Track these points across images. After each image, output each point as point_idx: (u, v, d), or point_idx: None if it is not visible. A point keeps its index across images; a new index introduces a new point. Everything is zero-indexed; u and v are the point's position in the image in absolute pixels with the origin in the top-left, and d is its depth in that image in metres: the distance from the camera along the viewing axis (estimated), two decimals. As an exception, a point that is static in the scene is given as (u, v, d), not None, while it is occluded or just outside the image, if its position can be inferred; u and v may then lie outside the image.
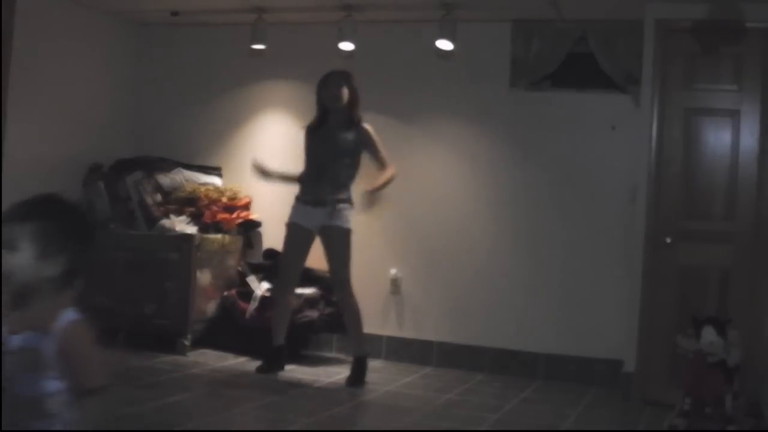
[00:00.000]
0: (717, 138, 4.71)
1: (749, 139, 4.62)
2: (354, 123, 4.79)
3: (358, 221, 4.85)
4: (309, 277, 5.17)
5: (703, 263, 4.69)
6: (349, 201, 4.76)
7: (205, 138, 6.04)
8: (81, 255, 1.86)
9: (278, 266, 5.01)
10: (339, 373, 4.93)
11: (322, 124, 4.82)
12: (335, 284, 4.80)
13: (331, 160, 4.73)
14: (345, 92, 4.76)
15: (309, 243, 4.80)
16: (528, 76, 5.32)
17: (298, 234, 4.77)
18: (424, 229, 5.49)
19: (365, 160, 4.86)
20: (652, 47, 4.73)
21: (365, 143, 4.78)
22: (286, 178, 4.94)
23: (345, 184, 4.76)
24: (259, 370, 4.82)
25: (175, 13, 5.74)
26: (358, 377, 4.73)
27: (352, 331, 4.81)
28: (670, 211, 4.74)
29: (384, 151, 4.78)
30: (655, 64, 4.73)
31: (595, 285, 5.11)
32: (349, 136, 4.76)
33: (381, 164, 4.78)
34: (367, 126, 4.81)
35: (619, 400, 4.70)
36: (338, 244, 4.71)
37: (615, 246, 5.03)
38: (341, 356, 5.33)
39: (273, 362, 4.85)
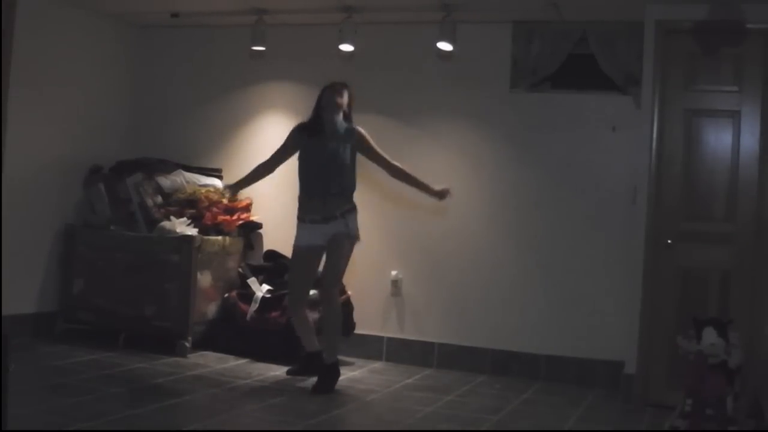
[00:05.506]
0: (717, 139, 4.71)
1: (750, 140, 4.63)
2: (349, 131, 4.66)
3: (358, 223, 4.83)
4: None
5: (704, 264, 4.69)
6: (354, 208, 4.68)
7: (205, 139, 6.04)
8: None
9: (287, 283, 4.98)
10: (340, 375, 4.92)
11: (317, 133, 4.65)
12: (326, 280, 4.65)
13: (334, 172, 4.59)
14: (346, 98, 4.68)
15: (321, 257, 4.69)
16: (528, 77, 5.33)
17: (308, 255, 4.65)
18: (425, 231, 5.49)
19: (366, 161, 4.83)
20: (653, 48, 4.73)
21: (362, 148, 4.69)
22: (251, 179, 4.88)
23: (350, 193, 4.67)
24: (288, 372, 4.84)
25: (175, 15, 5.75)
26: (326, 385, 4.56)
27: (328, 334, 4.68)
28: (670, 212, 4.74)
29: (382, 150, 4.70)
30: (655, 65, 4.73)
31: (595, 286, 5.11)
32: (347, 144, 4.63)
33: (385, 163, 4.71)
34: (360, 129, 4.69)
35: (620, 401, 4.70)
36: (343, 247, 4.62)
37: (616, 247, 5.03)
38: (342, 357, 5.32)
39: (303, 368, 4.83)
